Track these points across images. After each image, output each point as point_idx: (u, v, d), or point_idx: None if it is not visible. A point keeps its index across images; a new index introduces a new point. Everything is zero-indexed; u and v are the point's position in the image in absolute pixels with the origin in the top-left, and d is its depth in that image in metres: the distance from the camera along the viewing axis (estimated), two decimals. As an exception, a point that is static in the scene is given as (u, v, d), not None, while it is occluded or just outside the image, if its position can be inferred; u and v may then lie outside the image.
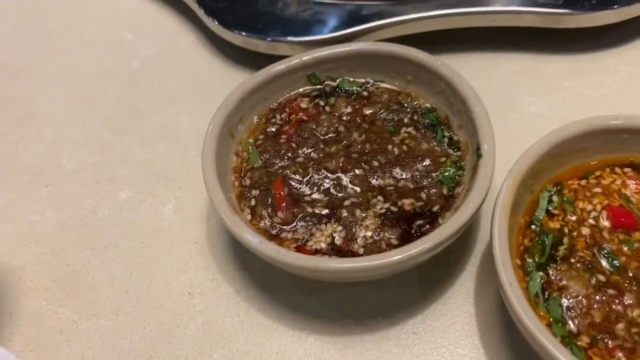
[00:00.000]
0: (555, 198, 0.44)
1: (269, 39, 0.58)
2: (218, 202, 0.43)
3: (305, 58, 0.52)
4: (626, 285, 0.39)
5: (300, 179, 0.47)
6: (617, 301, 0.39)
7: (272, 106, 0.52)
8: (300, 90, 0.53)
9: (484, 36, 0.59)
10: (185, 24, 0.67)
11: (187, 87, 0.61)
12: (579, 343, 0.38)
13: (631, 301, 0.39)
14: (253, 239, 0.41)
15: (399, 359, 0.42)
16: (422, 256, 0.40)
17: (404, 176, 0.47)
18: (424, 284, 0.46)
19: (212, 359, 0.43)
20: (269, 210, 0.46)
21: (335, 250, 0.43)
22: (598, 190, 0.44)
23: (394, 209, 0.45)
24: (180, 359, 0.44)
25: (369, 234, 0.44)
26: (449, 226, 0.40)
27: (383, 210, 0.45)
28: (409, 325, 0.44)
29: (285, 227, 0.45)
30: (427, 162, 0.47)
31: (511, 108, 0.55)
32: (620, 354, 0.37)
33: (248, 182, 0.47)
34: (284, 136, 0.50)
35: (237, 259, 0.49)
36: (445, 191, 0.45)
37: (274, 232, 0.45)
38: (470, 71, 0.58)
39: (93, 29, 0.69)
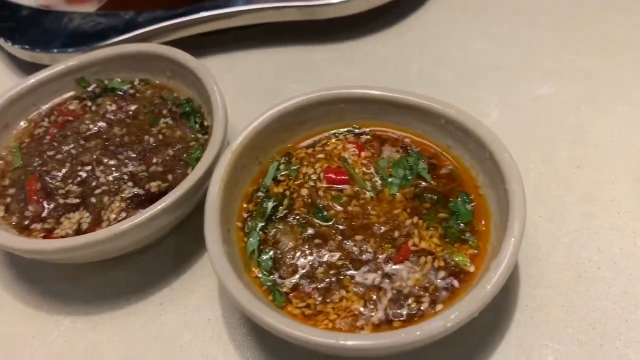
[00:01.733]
0: (282, 167, 0.48)
1: (54, 51, 0.61)
2: (-43, 200, 0.45)
3: (70, 63, 0.55)
4: (332, 234, 0.44)
5: (56, 174, 0.50)
6: (321, 249, 0.43)
7: (40, 111, 0.55)
8: (70, 94, 0.56)
9: (255, 34, 0.64)
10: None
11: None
12: (283, 290, 0.42)
13: (333, 248, 0.43)
14: (-11, 232, 0.44)
15: (144, 329, 0.45)
16: (149, 224, 0.43)
17: (155, 161, 0.50)
18: (178, 257, 0.49)
19: (-32, 350, 0.45)
20: (21, 205, 0.48)
21: (80, 234, 0.46)
22: (321, 156, 0.49)
23: (140, 192, 0.48)
24: None
25: (113, 216, 0.47)
26: (172, 194, 0.44)
27: (130, 195, 0.48)
28: (156, 297, 0.47)
29: (35, 219, 0.47)
30: (178, 146, 0.51)
31: (277, 95, 0.59)
32: (316, 294, 0.41)
33: (7, 182, 0.50)
34: (48, 137, 0.53)
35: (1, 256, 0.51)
36: (189, 171, 0.49)
37: (24, 224, 0.47)
38: (244, 66, 0.63)
39: None
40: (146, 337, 0.45)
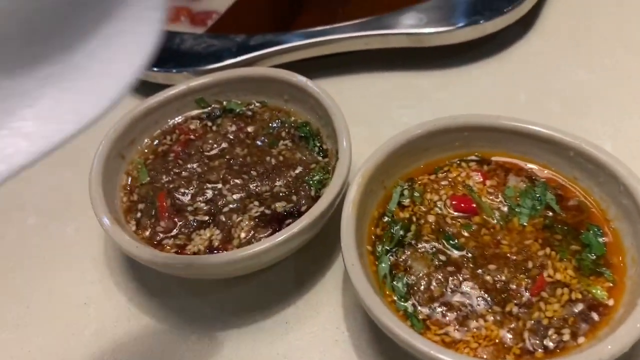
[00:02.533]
0: (406, 192, 0.49)
1: (169, 71, 0.64)
2: (100, 213, 0.47)
3: (191, 84, 0.57)
4: (464, 262, 0.44)
5: (184, 190, 0.52)
6: (454, 277, 0.44)
7: (162, 129, 0.57)
8: (191, 113, 0.58)
9: (361, 59, 0.66)
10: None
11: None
12: (419, 316, 0.42)
13: (467, 276, 0.44)
14: (130, 245, 0.45)
15: (271, 347, 0.46)
16: (285, 245, 0.45)
17: (278, 183, 0.52)
18: (300, 276, 0.50)
19: (102, 360, 0.47)
20: (152, 221, 0.50)
21: (212, 251, 0.48)
22: (445, 183, 0.49)
23: (267, 211, 0.50)
24: (72, 363, 0.47)
25: (243, 234, 0.48)
26: (307, 217, 0.45)
27: (258, 214, 0.49)
28: (282, 315, 0.48)
29: (167, 234, 0.49)
30: (299, 169, 0.52)
31: (386, 120, 0.61)
32: (455, 322, 0.42)
33: (136, 197, 0.52)
34: (172, 154, 0.55)
35: (130, 271, 0.52)
36: (312, 193, 0.50)
37: (156, 239, 0.49)
38: (350, 90, 0.64)
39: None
40: (275, 355, 0.46)
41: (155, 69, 0.64)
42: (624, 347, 0.36)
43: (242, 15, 0.76)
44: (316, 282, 0.50)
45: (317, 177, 0.51)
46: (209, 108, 0.58)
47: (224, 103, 0.58)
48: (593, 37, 0.66)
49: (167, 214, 0.50)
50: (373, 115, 0.61)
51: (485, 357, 0.39)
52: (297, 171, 0.52)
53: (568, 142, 0.47)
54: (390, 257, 0.45)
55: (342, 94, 0.63)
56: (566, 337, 0.40)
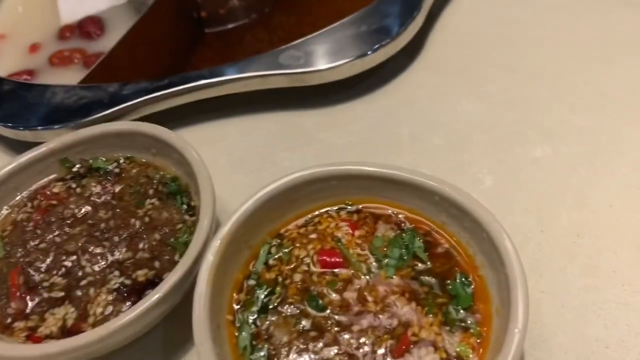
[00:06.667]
0: (274, 249, 0.47)
1: (38, 128, 0.60)
2: None
3: (52, 145, 0.54)
4: (327, 325, 0.42)
5: (40, 265, 0.48)
6: (316, 343, 0.41)
7: (23, 195, 0.53)
8: (54, 176, 0.55)
9: (247, 100, 0.63)
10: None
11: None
12: (279, 389, 0.40)
13: (330, 341, 0.41)
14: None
15: None
16: (141, 319, 0.41)
17: (142, 247, 0.48)
18: (168, 347, 0.47)
19: None
20: (3, 302, 0.46)
21: (66, 333, 0.44)
22: (314, 236, 0.47)
23: (127, 282, 0.46)
24: None
25: (100, 310, 0.45)
26: (162, 286, 0.42)
27: (117, 285, 0.46)
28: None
29: (17, 317, 0.45)
30: (165, 230, 0.49)
31: (268, 165, 0.58)
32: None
33: (-12, 277, 0.48)
34: (31, 224, 0.51)
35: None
36: (177, 257, 0.47)
37: (6, 323, 0.45)
38: (235, 134, 0.62)
39: None
40: None
41: (20, 127, 0.60)
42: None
43: (130, 57, 0.73)
44: (185, 352, 0.47)
45: (182, 239, 0.48)
46: (75, 168, 0.55)
47: (90, 161, 0.55)
48: (478, 64, 0.65)
49: (19, 293, 0.46)
50: (257, 160, 0.59)
51: None
52: (162, 232, 0.49)
53: (431, 186, 0.45)
54: (253, 325, 0.43)
55: (227, 139, 0.61)
56: (429, 405, 0.38)
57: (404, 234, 0.46)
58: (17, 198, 0.53)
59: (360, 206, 0.48)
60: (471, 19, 0.71)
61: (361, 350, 0.40)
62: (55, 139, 0.54)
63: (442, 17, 0.71)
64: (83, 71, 0.78)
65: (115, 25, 0.90)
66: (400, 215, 0.47)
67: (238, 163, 0.59)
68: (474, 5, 0.73)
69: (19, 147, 0.61)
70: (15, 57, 0.83)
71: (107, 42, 0.87)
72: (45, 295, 0.46)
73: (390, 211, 0.47)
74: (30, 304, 0.46)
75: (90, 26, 0.89)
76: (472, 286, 0.43)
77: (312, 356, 0.40)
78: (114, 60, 0.71)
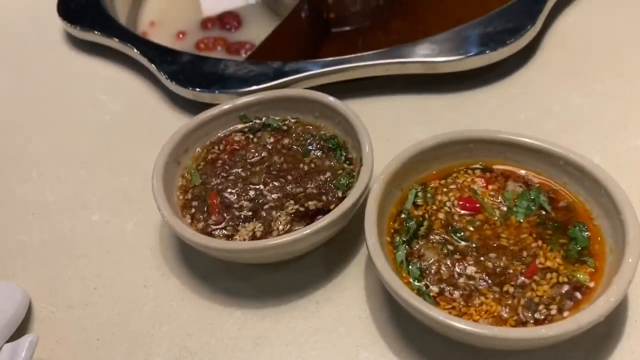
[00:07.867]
0: (420, 194, 0.58)
1: (214, 92, 0.74)
2: (162, 208, 0.56)
3: (236, 103, 0.67)
4: (468, 251, 0.53)
5: (231, 191, 0.61)
6: (460, 263, 0.52)
7: (211, 140, 0.66)
8: (235, 127, 0.68)
9: (380, 84, 0.75)
10: (148, 85, 0.83)
11: (148, 131, 0.76)
12: (430, 294, 0.50)
13: (471, 262, 0.52)
14: (187, 233, 0.54)
15: (305, 322, 0.54)
16: (315, 235, 0.53)
17: (310, 185, 0.60)
18: (328, 264, 0.59)
19: (161, 331, 0.55)
20: (204, 215, 0.59)
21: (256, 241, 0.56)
22: (453, 186, 0.58)
23: (301, 209, 0.58)
24: (135, 333, 0.55)
25: (281, 227, 0.57)
26: (335, 212, 0.54)
27: (293, 210, 0.58)
28: (313, 296, 0.56)
29: (217, 227, 0.58)
30: (328, 174, 0.61)
31: (403, 136, 0.69)
32: (460, 299, 0.50)
33: (190, 196, 0.61)
34: (220, 161, 0.64)
35: (183, 258, 0.61)
36: (340, 194, 0.59)
37: (208, 231, 0.58)
38: (370, 111, 0.73)
39: (76, 93, 0.84)
40: (308, 328, 0.54)
41: (203, 90, 0.73)
42: (599, 316, 0.44)
43: (275, 46, 0.86)
44: (342, 269, 0.58)
45: (343, 181, 0.60)
46: (251, 123, 0.68)
47: (263, 119, 0.68)
48: (586, 66, 0.75)
49: (217, 210, 0.59)
50: (391, 132, 0.70)
51: (485, 326, 0.47)
52: (326, 176, 0.61)
53: (558, 152, 0.55)
54: (406, 246, 0.54)
55: (363, 115, 0.72)
56: (553, 312, 0.48)
57: (530, 191, 0.56)
58: (207, 143, 0.66)
59: (493, 167, 0.59)
60: (579, 27, 0.81)
61: (498, 271, 0.51)
62: (238, 98, 0.67)
63: (554, 24, 0.82)
64: (226, 57, 0.92)
65: (250, 20, 1.05)
66: (527, 176, 0.57)
67: (376, 133, 0.70)
68: (583, 14, 0.83)
69: (195, 107, 0.75)
70: (164, 42, 0.98)
71: (244, 35, 1.02)
72: (237, 213, 0.59)
73: (519, 172, 0.58)
74: (226, 219, 0.58)
75: (229, 19, 1.04)
76: (588, 233, 0.53)
77: (457, 270, 0.51)
78: (262, 49, 0.84)
